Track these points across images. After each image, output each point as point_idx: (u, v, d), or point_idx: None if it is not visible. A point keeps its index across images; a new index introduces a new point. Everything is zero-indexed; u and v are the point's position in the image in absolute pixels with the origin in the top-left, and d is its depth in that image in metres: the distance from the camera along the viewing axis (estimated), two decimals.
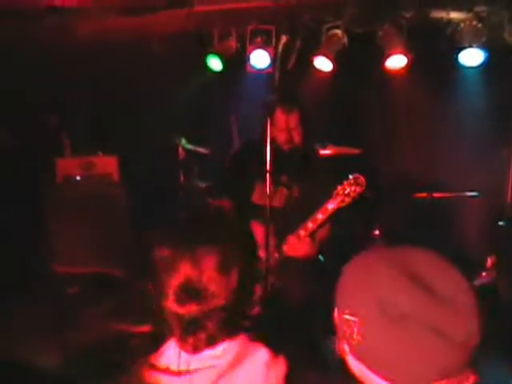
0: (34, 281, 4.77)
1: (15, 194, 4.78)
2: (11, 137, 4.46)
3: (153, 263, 1.59)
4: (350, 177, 3.15)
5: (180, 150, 4.72)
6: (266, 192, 3.29)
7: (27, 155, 4.87)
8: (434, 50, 4.57)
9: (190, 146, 4.75)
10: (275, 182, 3.37)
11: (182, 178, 4.79)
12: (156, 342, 4.29)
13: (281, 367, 1.54)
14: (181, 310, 1.50)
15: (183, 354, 1.57)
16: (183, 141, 4.74)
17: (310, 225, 3.20)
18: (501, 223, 4.45)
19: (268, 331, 3.16)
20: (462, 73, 4.66)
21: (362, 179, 3.13)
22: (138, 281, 4.91)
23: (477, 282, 4.52)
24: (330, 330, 4.06)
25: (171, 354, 1.61)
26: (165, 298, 1.52)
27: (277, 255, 3.30)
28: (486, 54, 4.47)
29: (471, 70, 4.59)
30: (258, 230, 3.29)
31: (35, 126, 4.76)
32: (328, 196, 3.18)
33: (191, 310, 1.49)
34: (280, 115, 3.38)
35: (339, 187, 3.14)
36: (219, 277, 1.48)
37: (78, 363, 4.00)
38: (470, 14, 4.50)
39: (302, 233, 3.23)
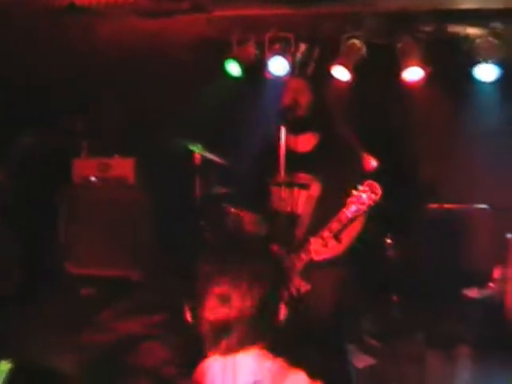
0: (48, 281, 4.80)
1: (33, 195, 4.78)
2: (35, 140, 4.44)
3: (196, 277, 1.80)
4: (364, 184, 2.99)
5: (196, 155, 4.72)
6: (280, 197, 3.30)
7: (46, 156, 4.87)
8: (451, 63, 4.66)
9: (205, 153, 4.76)
10: (289, 184, 3.30)
11: (198, 183, 4.80)
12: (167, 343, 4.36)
13: None
14: (213, 317, 1.72)
15: (228, 371, 1.74)
16: (199, 147, 4.74)
17: (326, 233, 3.08)
18: (509, 236, 4.58)
19: (293, 335, 3.21)
20: (477, 87, 4.74)
21: (376, 186, 2.98)
22: (154, 284, 4.97)
23: (484, 292, 4.67)
24: (350, 339, 4.12)
25: (216, 370, 1.78)
26: (203, 307, 1.75)
27: (304, 257, 3.18)
28: (501, 70, 4.58)
29: (486, 85, 4.68)
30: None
31: (55, 128, 4.76)
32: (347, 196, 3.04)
33: (221, 315, 1.70)
34: (288, 79, 3.42)
35: (354, 195, 3.00)
36: (248, 290, 1.70)
37: (92, 364, 4.03)
38: (486, 30, 4.61)
39: (319, 240, 3.11)
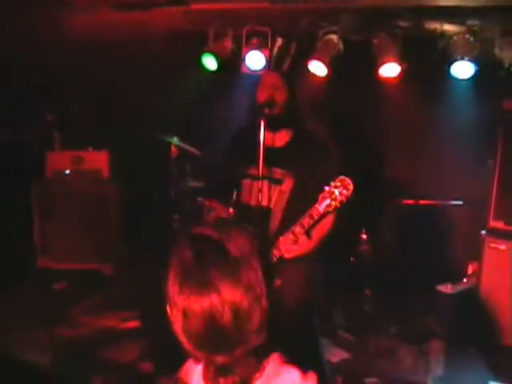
0: (21, 276, 4.76)
1: (5, 188, 4.73)
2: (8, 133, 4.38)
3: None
4: (336, 179, 2.95)
5: (173, 148, 4.70)
6: (251, 190, 3.30)
7: (19, 150, 4.81)
8: (427, 60, 4.67)
9: (182, 145, 4.74)
10: (262, 179, 3.24)
11: (173, 177, 4.78)
12: (144, 336, 4.34)
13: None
14: (207, 357, 1.43)
15: None
16: (175, 139, 4.72)
17: (298, 229, 3.06)
18: (483, 232, 4.62)
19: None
20: (452, 84, 4.76)
21: (348, 181, 2.95)
22: (127, 277, 4.94)
23: (458, 287, 4.70)
24: (322, 333, 4.13)
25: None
26: (183, 339, 1.43)
27: (276, 253, 3.14)
28: (476, 67, 4.61)
29: (462, 82, 4.70)
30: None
31: (28, 122, 4.71)
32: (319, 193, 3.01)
33: (219, 359, 1.42)
34: (264, 74, 3.45)
35: (326, 190, 2.97)
36: (249, 310, 1.38)
37: (67, 358, 3.99)
38: (463, 28, 4.63)
39: (290, 236, 3.09)
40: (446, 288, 4.78)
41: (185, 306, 1.37)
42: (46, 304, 4.63)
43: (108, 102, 5.18)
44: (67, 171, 5.07)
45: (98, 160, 5.12)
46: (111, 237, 5.07)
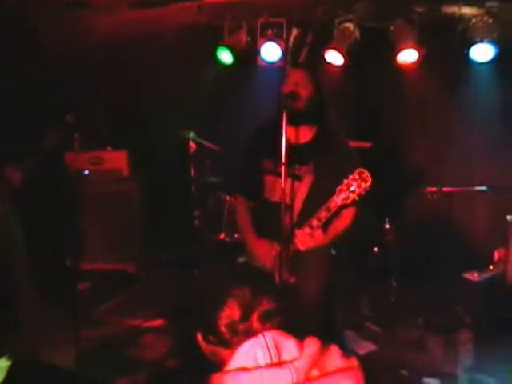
0: (45, 277, 4.76)
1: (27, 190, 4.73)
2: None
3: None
4: (354, 172, 2.94)
5: (190, 143, 4.68)
6: (274, 187, 3.31)
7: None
8: (446, 45, 4.61)
9: (200, 141, 4.73)
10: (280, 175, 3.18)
11: (193, 173, 4.76)
12: (168, 336, 4.31)
13: None
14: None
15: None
16: (193, 135, 4.70)
17: (315, 222, 3.06)
18: (509, 218, 4.53)
19: (286, 326, 3.17)
20: (472, 68, 4.70)
21: (366, 174, 2.93)
22: (150, 276, 4.93)
23: (485, 275, 4.62)
24: (347, 324, 4.06)
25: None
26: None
27: (291, 247, 3.14)
28: (497, 50, 4.53)
29: (482, 65, 4.63)
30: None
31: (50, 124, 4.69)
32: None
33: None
34: (289, 71, 3.46)
35: (344, 182, 2.96)
36: None
37: (92, 359, 3.99)
38: (482, 10, 4.55)
39: (307, 230, 3.10)
40: (473, 276, 4.70)
41: None
42: (69, 304, 4.64)
43: (124, 100, 5.18)
44: (86, 171, 5.10)
45: (118, 159, 5.11)
46: (134, 235, 5.08)
